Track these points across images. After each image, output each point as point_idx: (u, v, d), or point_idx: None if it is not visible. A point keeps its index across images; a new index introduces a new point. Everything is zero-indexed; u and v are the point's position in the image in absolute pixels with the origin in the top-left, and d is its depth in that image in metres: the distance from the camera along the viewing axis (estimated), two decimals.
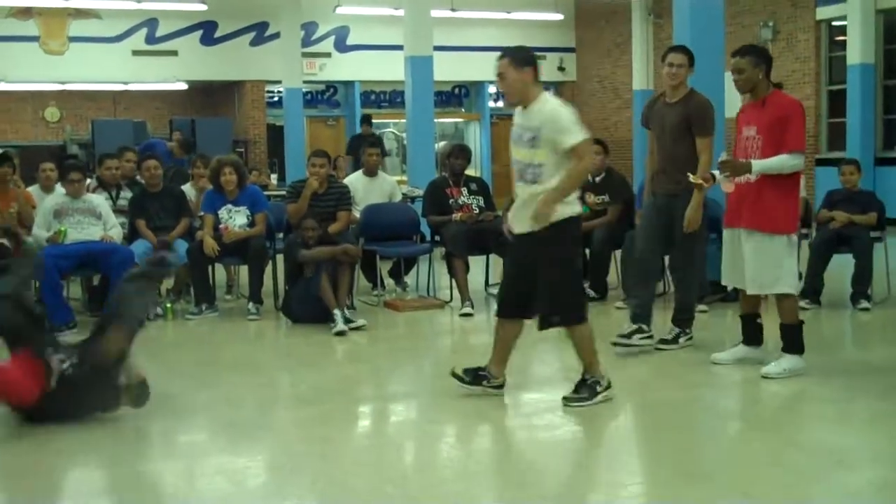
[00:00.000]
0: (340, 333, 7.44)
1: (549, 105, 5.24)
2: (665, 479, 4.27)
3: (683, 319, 6.77)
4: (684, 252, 6.70)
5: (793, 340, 5.95)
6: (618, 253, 8.76)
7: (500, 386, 5.61)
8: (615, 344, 6.58)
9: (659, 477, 4.37)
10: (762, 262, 5.87)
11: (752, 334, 6.23)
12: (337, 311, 7.57)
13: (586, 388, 5.39)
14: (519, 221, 5.34)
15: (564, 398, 5.40)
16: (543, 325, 5.42)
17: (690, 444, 4.83)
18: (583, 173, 5.35)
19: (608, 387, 5.41)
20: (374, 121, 16.55)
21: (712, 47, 8.47)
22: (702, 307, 7.60)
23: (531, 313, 5.47)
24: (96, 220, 8.13)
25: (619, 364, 6.43)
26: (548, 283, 5.29)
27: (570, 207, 5.26)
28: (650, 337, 6.65)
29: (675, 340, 6.69)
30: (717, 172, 6.08)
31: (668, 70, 6.65)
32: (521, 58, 5.27)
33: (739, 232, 6.01)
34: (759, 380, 5.88)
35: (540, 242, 5.24)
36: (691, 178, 6.20)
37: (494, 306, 8.89)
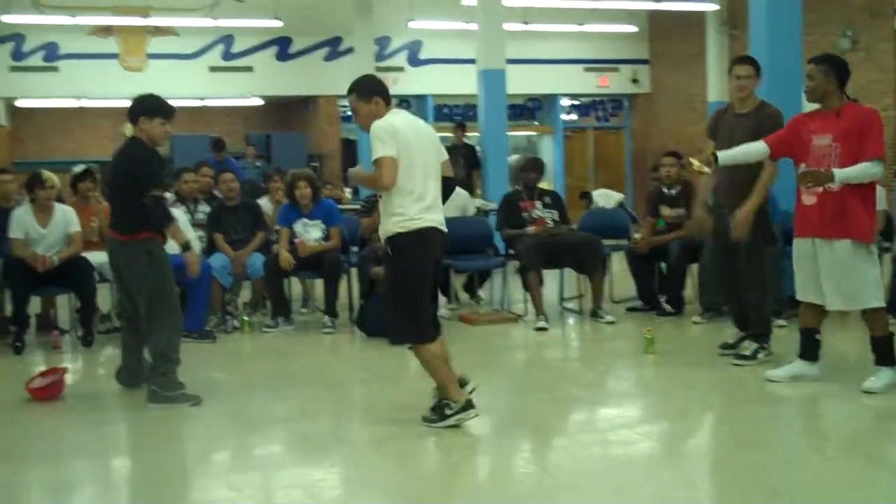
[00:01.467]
0: None
1: (377, 123, 5.14)
2: (743, 497, 4.20)
3: (760, 335, 6.66)
4: (750, 266, 6.58)
5: (888, 352, 5.83)
6: (694, 267, 8.66)
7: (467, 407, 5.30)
8: (729, 358, 6.63)
9: (737, 495, 4.29)
10: (848, 273, 5.73)
11: (810, 349, 6.07)
12: None
13: (437, 411, 5.30)
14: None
15: (422, 417, 5.34)
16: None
17: (769, 462, 4.75)
18: (377, 187, 5.26)
19: (462, 409, 5.21)
20: (445, 134, 16.40)
21: (789, 58, 8.36)
22: (780, 322, 7.48)
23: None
24: None
25: (694, 381, 6.36)
26: (382, 297, 5.30)
27: (394, 225, 5.15)
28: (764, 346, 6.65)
29: (753, 356, 6.58)
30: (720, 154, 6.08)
31: (735, 83, 6.60)
32: (365, 90, 5.29)
33: (815, 242, 5.86)
34: (837, 396, 5.78)
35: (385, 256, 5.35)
36: (694, 163, 6.23)
37: (570, 320, 8.94)
